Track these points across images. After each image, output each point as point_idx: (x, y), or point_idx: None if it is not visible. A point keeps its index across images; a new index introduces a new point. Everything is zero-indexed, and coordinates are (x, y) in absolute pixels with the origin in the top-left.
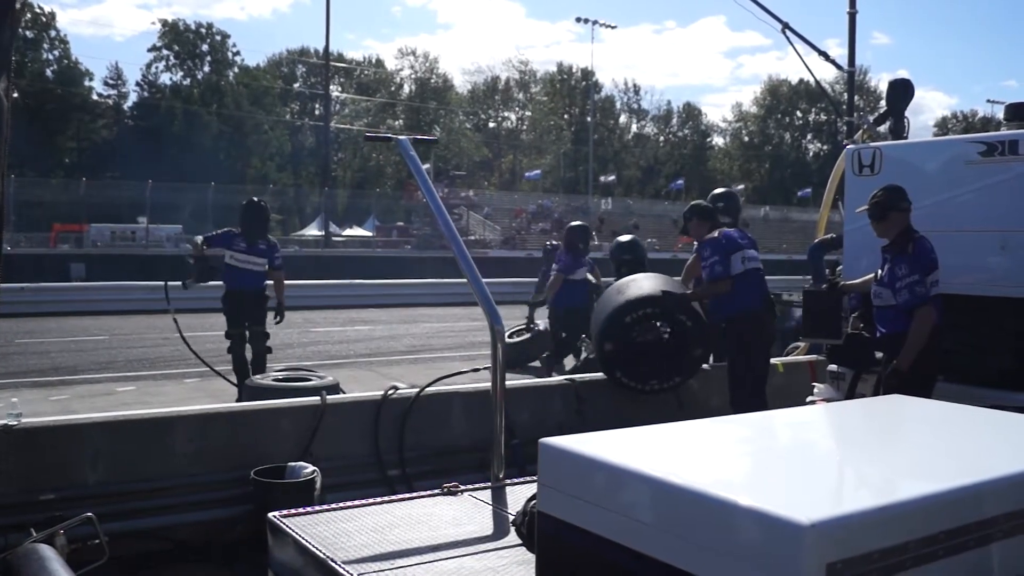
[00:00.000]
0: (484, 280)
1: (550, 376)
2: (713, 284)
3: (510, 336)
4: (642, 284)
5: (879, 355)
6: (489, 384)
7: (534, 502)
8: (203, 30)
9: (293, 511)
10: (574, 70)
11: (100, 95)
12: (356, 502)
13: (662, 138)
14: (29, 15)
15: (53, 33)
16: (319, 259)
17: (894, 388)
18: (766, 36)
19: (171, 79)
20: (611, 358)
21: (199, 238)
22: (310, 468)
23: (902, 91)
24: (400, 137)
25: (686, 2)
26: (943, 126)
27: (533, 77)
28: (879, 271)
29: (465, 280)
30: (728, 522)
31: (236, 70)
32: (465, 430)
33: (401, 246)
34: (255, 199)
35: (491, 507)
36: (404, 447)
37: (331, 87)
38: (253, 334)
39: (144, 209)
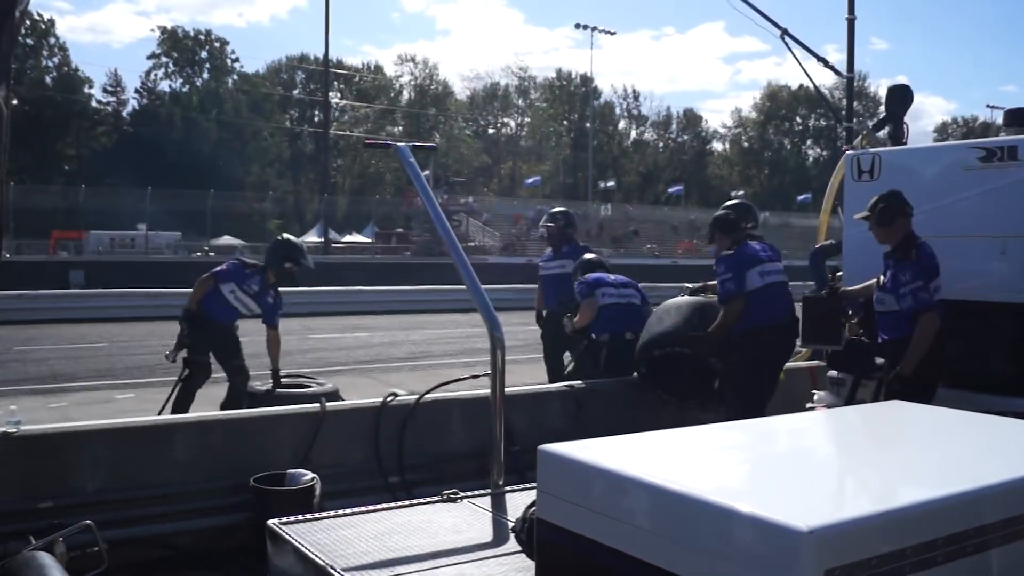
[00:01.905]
0: (483, 287)
1: None
2: (726, 305)
3: None
4: (677, 319)
5: (879, 361)
6: (488, 391)
7: (533, 509)
8: (202, 37)
9: (292, 518)
10: (573, 76)
11: (99, 102)
12: (356, 509)
13: (661, 144)
14: (28, 22)
15: (52, 40)
16: (318, 265)
17: (896, 393)
18: (765, 42)
19: (170, 86)
20: (647, 379)
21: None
22: (309, 475)
23: (901, 96)
24: (399, 144)
25: (684, 8)
26: (942, 131)
27: (532, 83)
28: (881, 277)
29: (464, 287)
30: (727, 528)
31: (235, 77)
32: (464, 437)
33: (400, 252)
34: (293, 240)
35: (490, 514)
36: (403, 454)
37: (330, 94)
38: (231, 369)
39: (143, 216)
